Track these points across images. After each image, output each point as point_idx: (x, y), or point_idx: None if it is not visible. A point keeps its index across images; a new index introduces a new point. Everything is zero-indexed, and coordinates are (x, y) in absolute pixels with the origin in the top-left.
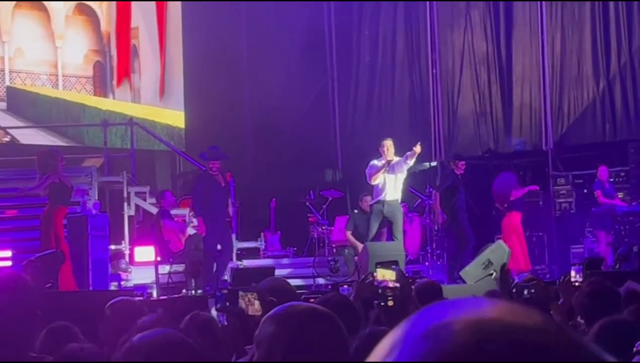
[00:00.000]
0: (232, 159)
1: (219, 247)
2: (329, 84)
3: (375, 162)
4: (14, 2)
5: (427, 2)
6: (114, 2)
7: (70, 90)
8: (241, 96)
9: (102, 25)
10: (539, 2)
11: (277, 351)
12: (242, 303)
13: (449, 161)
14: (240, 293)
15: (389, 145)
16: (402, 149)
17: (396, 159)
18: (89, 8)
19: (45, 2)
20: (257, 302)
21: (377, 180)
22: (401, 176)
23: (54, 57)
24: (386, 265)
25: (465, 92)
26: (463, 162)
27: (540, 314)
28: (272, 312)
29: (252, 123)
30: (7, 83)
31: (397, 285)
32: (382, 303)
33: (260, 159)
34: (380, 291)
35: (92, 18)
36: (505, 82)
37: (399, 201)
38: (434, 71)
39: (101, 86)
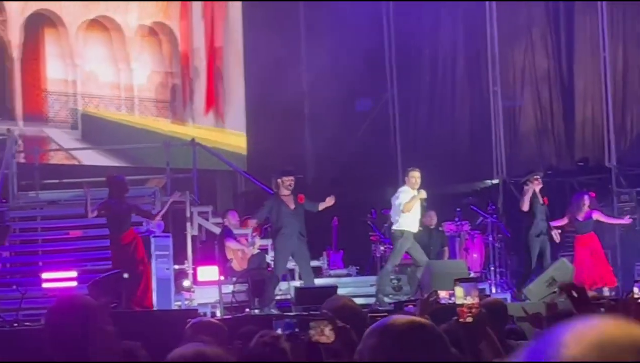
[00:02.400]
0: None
1: (289, 265)
2: (389, 103)
3: (405, 188)
4: (85, 22)
5: (488, 20)
6: (196, 20)
7: (146, 115)
8: (302, 115)
9: (180, 44)
10: (599, 18)
11: None
12: (312, 333)
13: (525, 178)
14: (312, 324)
15: (417, 176)
16: (462, 168)
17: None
18: (165, 27)
19: (117, 21)
20: (328, 330)
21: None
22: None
23: (128, 79)
24: (465, 281)
25: (527, 109)
26: (537, 177)
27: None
28: (374, 324)
29: (313, 142)
30: (80, 108)
31: (475, 302)
32: (461, 320)
33: (321, 178)
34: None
35: (168, 37)
36: (567, 99)
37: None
38: (495, 89)
39: (178, 110)
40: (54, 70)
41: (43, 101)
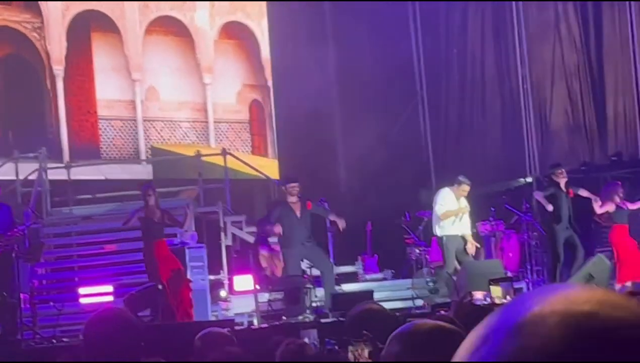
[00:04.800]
0: (325, 184)
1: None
2: (419, 105)
3: (449, 193)
4: (145, 27)
5: (515, 18)
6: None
7: (221, 141)
8: (332, 120)
9: (262, 50)
10: (628, 11)
11: None
12: (351, 357)
13: (550, 171)
14: (351, 348)
15: (467, 190)
16: (495, 167)
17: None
18: (244, 28)
19: (184, 22)
20: (367, 351)
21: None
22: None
23: (201, 97)
24: (501, 281)
25: (558, 105)
26: (562, 170)
27: (632, 301)
28: (397, 330)
29: (344, 147)
30: (142, 135)
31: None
32: None
33: (354, 183)
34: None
35: (248, 41)
36: (597, 94)
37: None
38: (525, 86)
39: (260, 133)
40: (107, 88)
41: (93, 129)
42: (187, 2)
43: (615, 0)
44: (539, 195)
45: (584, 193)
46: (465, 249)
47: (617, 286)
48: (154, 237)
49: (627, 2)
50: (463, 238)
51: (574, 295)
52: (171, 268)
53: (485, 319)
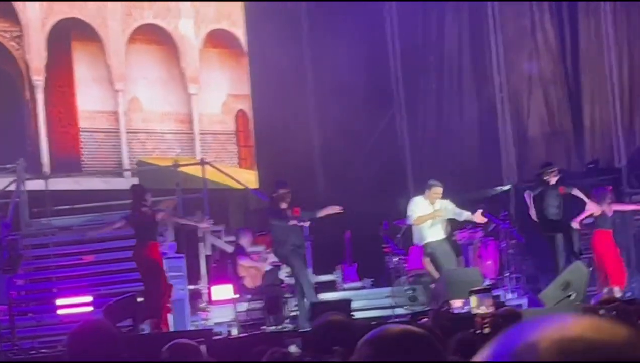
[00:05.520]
0: (303, 193)
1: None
2: (396, 113)
3: (421, 200)
4: (128, 35)
5: (491, 26)
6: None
7: (206, 153)
8: (309, 130)
9: (249, 56)
10: (603, 19)
11: None
12: None
13: (540, 171)
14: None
15: (439, 192)
16: (472, 175)
17: (443, 205)
18: (230, 36)
19: (168, 30)
20: None
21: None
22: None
23: (185, 107)
24: (480, 292)
25: (534, 113)
26: (554, 169)
27: (627, 329)
28: (368, 334)
29: (322, 156)
30: (125, 147)
31: (491, 312)
32: (478, 332)
33: (332, 192)
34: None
35: (234, 50)
36: (574, 102)
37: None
38: (502, 94)
39: (247, 144)
40: (89, 99)
41: (74, 141)
42: (172, 10)
43: (592, 0)
44: (528, 196)
45: (577, 192)
46: (448, 253)
47: (605, 290)
48: (151, 238)
49: (603, 10)
50: (446, 241)
51: (564, 323)
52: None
53: (483, 349)
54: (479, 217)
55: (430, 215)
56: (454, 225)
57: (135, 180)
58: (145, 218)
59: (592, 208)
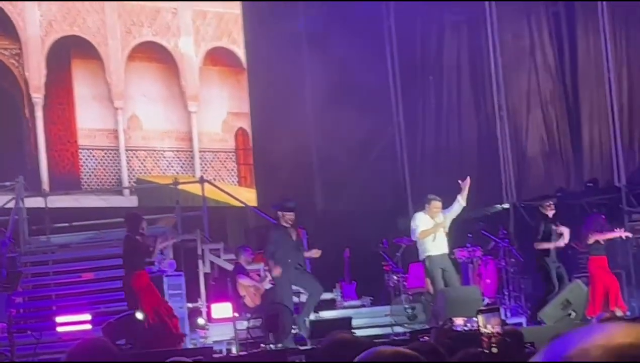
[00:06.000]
0: (302, 212)
1: (296, 299)
2: (396, 131)
3: (422, 215)
4: (127, 53)
5: (490, 44)
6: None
7: (206, 171)
8: (309, 148)
9: (248, 74)
10: (602, 39)
11: None
12: None
13: (538, 204)
14: None
15: (439, 206)
16: (472, 194)
17: (441, 217)
18: (230, 54)
19: (168, 48)
20: None
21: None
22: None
23: (185, 125)
24: (487, 311)
25: (533, 132)
26: (550, 203)
27: None
28: (359, 357)
29: (321, 174)
30: (124, 165)
31: (497, 331)
32: (487, 351)
33: (331, 210)
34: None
35: (234, 68)
36: (573, 120)
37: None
38: (501, 113)
39: (246, 162)
40: (88, 117)
41: (74, 158)
42: (171, 28)
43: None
44: (540, 245)
45: (565, 233)
46: (449, 270)
47: (589, 318)
48: (135, 268)
49: (601, 30)
50: (447, 259)
51: (613, 331)
52: (154, 297)
53: (536, 354)
54: (464, 185)
55: (433, 228)
56: (452, 243)
57: (135, 198)
58: (139, 246)
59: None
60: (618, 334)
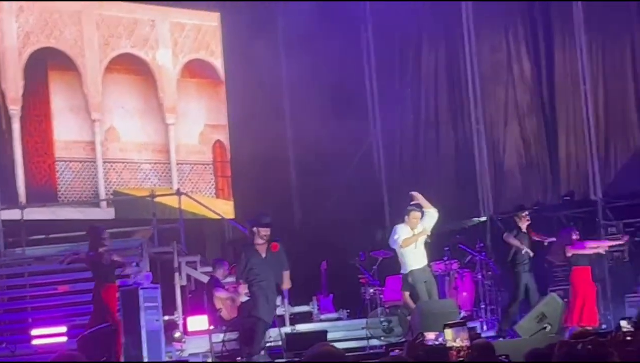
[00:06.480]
0: (280, 224)
1: (278, 311)
2: (373, 144)
3: (402, 226)
4: (105, 65)
5: (468, 57)
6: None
7: (183, 183)
8: (287, 160)
9: (226, 87)
10: (579, 52)
11: None
12: None
13: (513, 214)
14: None
15: (418, 216)
16: (449, 207)
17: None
18: (207, 66)
19: (146, 59)
20: None
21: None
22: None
23: (163, 137)
24: (454, 325)
25: (510, 145)
26: (526, 213)
27: None
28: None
29: (299, 187)
30: (101, 177)
31: (466, 345)
32: None
33: (308, 223)
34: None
35: (212, 80)
36: (550, 133)
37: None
38: (478, 126)
39: (224, 175)
40: (65, 129)
41: (51, 170)
42: (149, 40)
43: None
44: (509, 237)
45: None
46: (430, 281)
47: (566, 326)
48: (105, 281)
49: (578, 43)
50: (428, 270)
51: None
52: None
53: None
54: (414, 198)
55: (414, 237)
56: (429, 256)
57: (112, 211)
58: (101, 260)
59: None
60: None
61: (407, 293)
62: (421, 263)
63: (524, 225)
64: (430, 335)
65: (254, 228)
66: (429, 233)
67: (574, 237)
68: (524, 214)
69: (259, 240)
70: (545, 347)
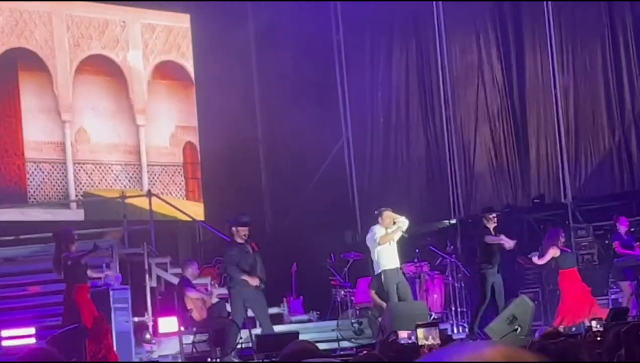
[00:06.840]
0: (250, 226)
1: (249, 313)
2: (344, 146)
3: (378, 227)
4: (75, 66)
5: (439, 61)
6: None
7: (154, 184)
8: (257, 162)
9: (196, 89)
10: (550, 55)
11: None
12: None
13: (481, 215)
14: None
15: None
16: (419, 209)
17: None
18: (178, 67)
19: (117, 61)
20: None
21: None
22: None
23: (133, 139)
24: (426, 325)
25: (481, 148)
26: (494, 215)
27: (534, 357)
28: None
29: (269, 189)
30: (72, 179)
31: (437, 343)
32: None
33: (279, 224)
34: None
35: (183, 82)
36: (520, 137)
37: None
38: (449, 129)
39: (194, 176)
40: (35, 130)
41: (20, 171)
42: (120, 41)
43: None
44: (490, 239)
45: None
46: (402, 282)
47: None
48: (77, 281)
49: (549, 46)
50: (400, 272)
51: (482, 351)
52: (93, 313)
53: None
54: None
55: (392, 233)
56: (400, 258)
57: (82, 212)
58: (71, 262)
59: (537, 260)
60: (485, 355)
61: (373, 292)
62: (394, 264)
63: (491, 226)
64: (403, 334)
65: (233, 228)
66: (404, 229)
67: (562, 239)
68: (491, 216)
69: (238, 240)
70: None
